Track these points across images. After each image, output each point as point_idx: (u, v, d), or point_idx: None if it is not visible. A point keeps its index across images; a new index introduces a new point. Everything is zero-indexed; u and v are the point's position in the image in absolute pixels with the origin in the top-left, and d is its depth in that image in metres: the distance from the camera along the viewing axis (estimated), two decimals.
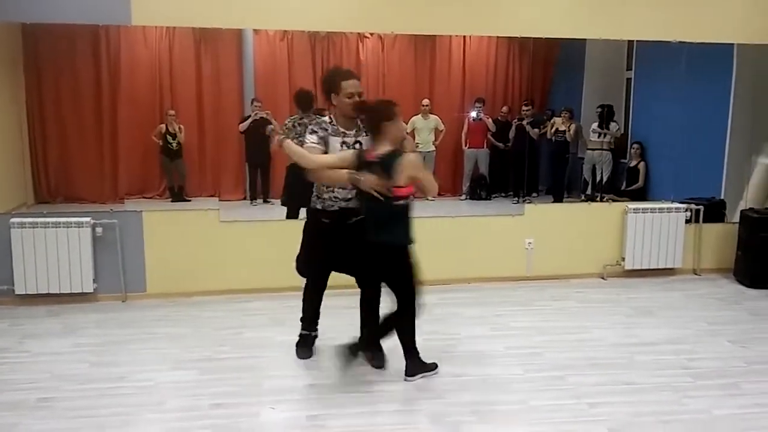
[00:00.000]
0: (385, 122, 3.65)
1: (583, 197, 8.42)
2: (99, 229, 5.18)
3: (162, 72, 8.56)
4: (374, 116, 3.70)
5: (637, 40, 7.16)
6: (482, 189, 8.68)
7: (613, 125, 8.44)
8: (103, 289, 5.29)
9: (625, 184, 8.13)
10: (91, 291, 5.21)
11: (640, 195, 7.71)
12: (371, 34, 9.06)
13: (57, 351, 4.30)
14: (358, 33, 8.80)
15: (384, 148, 3.64)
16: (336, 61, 9.08)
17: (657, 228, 6.01)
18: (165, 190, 8.62)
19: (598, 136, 8.40)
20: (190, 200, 8.16)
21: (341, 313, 4.29)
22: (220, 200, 8.32)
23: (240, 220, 5.71)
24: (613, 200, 7.36)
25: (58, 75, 7.98)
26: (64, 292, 5.14)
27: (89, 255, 5.14)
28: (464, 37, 9.25)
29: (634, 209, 6.03)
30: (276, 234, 5.53)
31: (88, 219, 5.14)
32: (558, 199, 7.87)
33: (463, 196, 9.02)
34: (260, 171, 8.14)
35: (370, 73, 9.27)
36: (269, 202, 8.15)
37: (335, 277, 4.11)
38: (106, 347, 4.37)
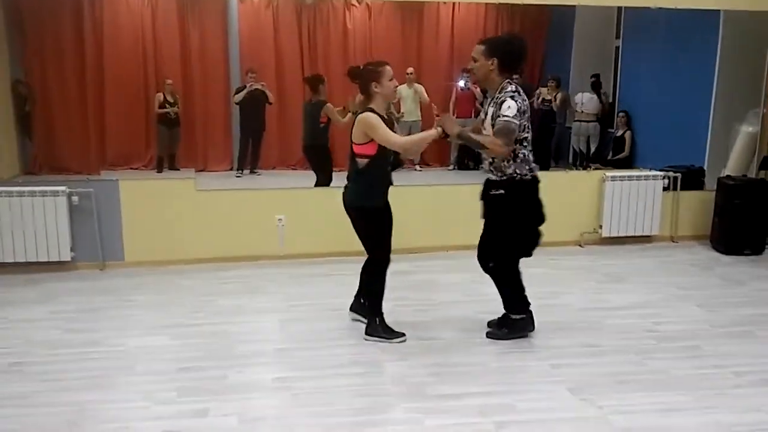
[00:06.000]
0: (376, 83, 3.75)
1: (574, 168, 8.40)
2: (75, 198, 5.20)
3: (146, 43, 8.51)
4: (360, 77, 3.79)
5: (624, 7, 7.11)
6: (470, 159, 8.63)
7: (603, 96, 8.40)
8: (81, 258, 5.33)
9: (612, 154, 8.13)
10: (69, 260, 5.25)
11: (627, 164, 7.72)
12: (358, 2, 9.00)
13: (33, 318, 4.36)
14: (345, 0, 8.74)
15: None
16: (322, 29, 9.02)
17: (634, 195, 6.02)
18: (151, 160, 8.63)
19: (592, 107, 8.33)
20: (179, 170, 8.20)
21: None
22: (206, 171, 8.35)
23: (216, 189, 5.74)
24: (598, 169, 7.36)
25: (40, 48, 7.96)
26: (42, 260, 5.18)
27: (66, 224, 5.16)
28: (453, 4, 9.17)
29: (611, 177, 6.03)
30: (252, 202, 5.57)
31: (63, 188, 5.15)
32: (544, 169, 7.84)
33: (451, 166, 9.03)
34: (252, 141, 8.15)
35: (357, 41, 9.21)
36: (256, 172, 8.18)
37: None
38: (81, 314, 4.43)
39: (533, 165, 3.74)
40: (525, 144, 3.66)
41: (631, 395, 3.27)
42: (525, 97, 3.67)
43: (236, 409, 3.16)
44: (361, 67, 3.83)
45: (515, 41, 3.79)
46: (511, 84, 3.66)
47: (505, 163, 3.67)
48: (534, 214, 3.79)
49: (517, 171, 3.67)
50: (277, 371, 3.58)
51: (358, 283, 4.18)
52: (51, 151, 8.12)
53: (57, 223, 5.13)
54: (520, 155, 3.65)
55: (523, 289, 3.96)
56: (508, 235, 3.81)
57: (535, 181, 3.75)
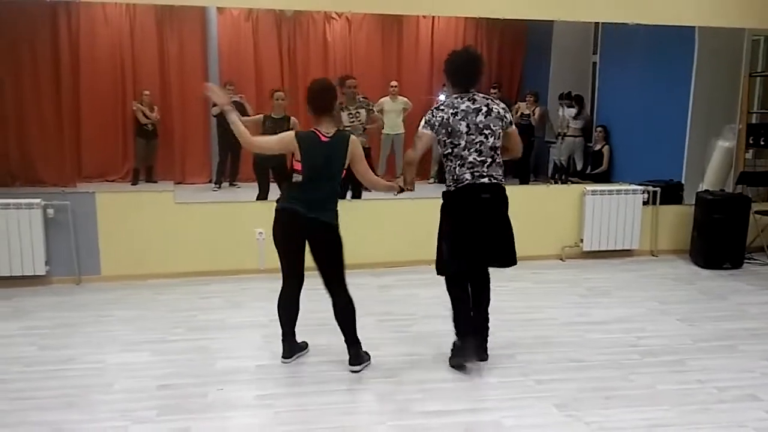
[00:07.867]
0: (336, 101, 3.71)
1: (553, 182, 8.44)
2: (50, 211, 5.09)
3: (123, 54, 8.41)
4: (331, 96, 3.69)
5: (602, 23, 7.19)
6: None
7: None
8: (57, 272, 5.22)
9: (590, 168, 8.19)
10: (44, 274, 5.14)
11: (604, 178, 7.77)
12: (339, 15, 8.99)
13: (6, 334, 4.24)
14: (325, 13, 8.72)
15: (332, 129, 3.63)
16: (302, 42, 8.99)
17: (615, 210, 6.06)
18: (128, 173, 8.51)
19: (578, 123, 8.39)
20: (157, 182, 8.09)
21: None
22: (184, 183, 8.24)
23: (195, 202, 5.66)
24: (577, 183, 7.41)
25: (15, 58, 7.82)
26: (16, 275, 5.06)
27: (41, 237, 5.05)
28: (432, 18, 9.21)
29: (592, 191, 6.07)
30: (232, 215, 5.50)
31: (38, 200, 5.05)
32: (524, 182, 7.90)
33: (431, 180, 9.03)
34: (231, 154, 8.08)
35: (338, 54, 9.20)
36: (235, 185, 8.10)
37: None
38: (56, 330, 4.32)
39: (460, 177, 3.62)
40: (451, 159, 3.66)
41: (617, 411, 3.26)
42: (449, 111, 3.60)
43: (217, 427, 3.10)
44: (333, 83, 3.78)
45: (455, 56, 3.70)
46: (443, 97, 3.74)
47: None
48: (455, 226, 3.71)
49: (446, 184, 3.76)
50: (259, 388, 3.51)
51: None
52: (25, 163, 7.96)
53: (31, 237, 5.02)
54: (447, 169, 3.74)
55: (460, 313, 3.75)
56: (439, 244, 3.82)
57: (456, 192, 3.65)
